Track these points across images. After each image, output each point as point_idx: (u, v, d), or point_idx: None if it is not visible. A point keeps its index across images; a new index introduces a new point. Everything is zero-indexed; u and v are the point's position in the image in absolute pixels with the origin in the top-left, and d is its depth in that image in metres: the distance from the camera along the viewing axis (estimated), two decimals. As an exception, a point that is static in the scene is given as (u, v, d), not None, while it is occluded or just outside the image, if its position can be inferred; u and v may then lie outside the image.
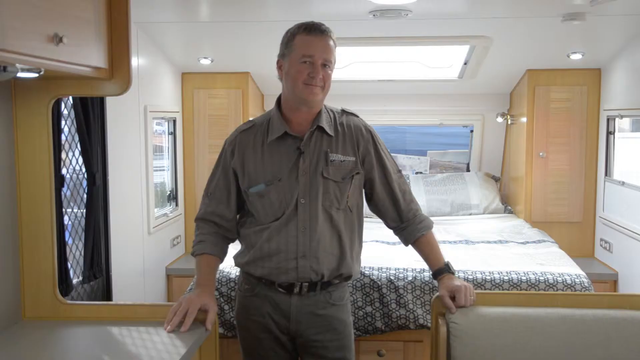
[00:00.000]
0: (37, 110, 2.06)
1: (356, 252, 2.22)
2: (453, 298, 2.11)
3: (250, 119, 2.33)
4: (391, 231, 2.35)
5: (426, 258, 2.25)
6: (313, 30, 2.04)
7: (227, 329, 3.06)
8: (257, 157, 2.13)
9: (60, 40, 1.62)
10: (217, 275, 3.08)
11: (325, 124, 2.12)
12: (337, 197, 2.12)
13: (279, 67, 2.12)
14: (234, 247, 2.28)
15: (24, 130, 2.07)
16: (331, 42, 2.05)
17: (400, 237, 2.30)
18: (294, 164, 2.10)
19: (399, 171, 2.26)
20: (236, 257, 2.26)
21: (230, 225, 2.21)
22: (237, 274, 3.05)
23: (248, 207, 2.19)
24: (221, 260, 2.22)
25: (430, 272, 2.25)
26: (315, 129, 2.11)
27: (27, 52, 1.52)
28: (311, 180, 2.09)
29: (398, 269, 3.10)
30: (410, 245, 2.30)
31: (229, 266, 3.16)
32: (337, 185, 2.11)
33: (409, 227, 2.24)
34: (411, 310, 3.02)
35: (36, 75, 1.73)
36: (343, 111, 2.21)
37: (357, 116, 2.23)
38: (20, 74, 1.64)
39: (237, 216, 2.25)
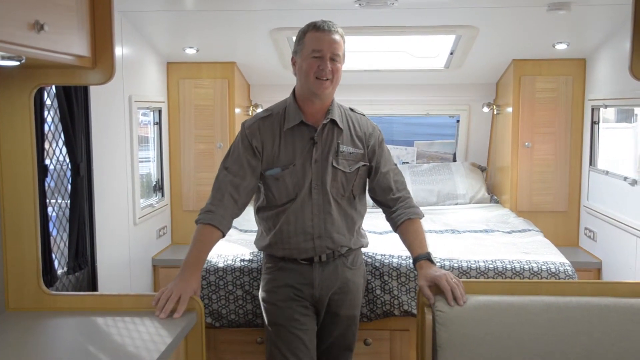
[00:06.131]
0: (18, 99, 2.04)
1: (360, 227, 2.50)
2: (433, 287, 2.16)
3: (267, 107, 2.47)
4: (380, 221, 2.46)
5: (410, 244, 2.36)
6: (321, 27, 2.24)
7: (215, 318, 3.05)
8: (275, 143, 2.33)
9: (42, 27, 1.60)
10: (205, 265, 3.07)
11: (337, 117, 2.34)
12: (343, 186, 2.37)
13: (293, 63, 2.34)
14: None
15: (5, 120, 2.05)
16: (338, 38, 2.26)
17: (390, 222, 2.46)
18: (308, 152, 2.32)
19: (395, 165, 2.52)
20: (257, 242, 2.53)
21: (241, 199, 2.32)
22: (231, 261, 3.08)
23: (263, 189, 2.38)
24: (223, 235, 2.29)
25: (411, 259, 2.34)
26: (328, 121, 2.32)
27: (6, 40, 1.50)
28: (322, 168, 2.32)
29: (384, 255, 3.11)
30: (397, 233, 2.44)
31: (216, 255, 3.15)
32: (344, 175, 2.36)
33: (398, 210, 2.42)
34: (396, 297, 3.03)
35: (17, 63, 1.71)
36: (352, 110, 2.45)
37: (364, 115, 2.48)
38: (0, 62, 1.62)
39: (252, 199, 2.44)
